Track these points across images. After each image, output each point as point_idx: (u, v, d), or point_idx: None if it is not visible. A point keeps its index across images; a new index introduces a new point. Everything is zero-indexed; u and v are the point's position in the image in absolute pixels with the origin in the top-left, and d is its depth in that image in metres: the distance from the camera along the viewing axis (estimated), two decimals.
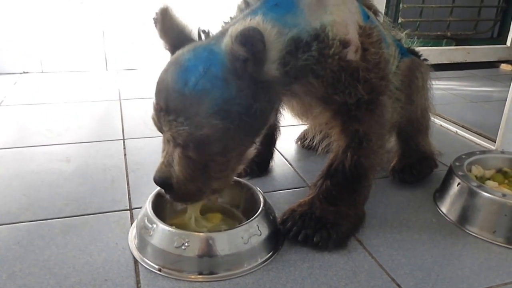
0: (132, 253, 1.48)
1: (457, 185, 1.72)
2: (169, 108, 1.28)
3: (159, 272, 1.39)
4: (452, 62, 4.19)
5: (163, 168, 1.38)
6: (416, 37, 2.07)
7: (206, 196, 1.47)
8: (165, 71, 1.33)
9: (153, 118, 1.37)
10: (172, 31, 1.43)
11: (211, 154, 1.34)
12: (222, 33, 1.37)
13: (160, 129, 1.38)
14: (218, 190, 1.50)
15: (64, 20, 3.62)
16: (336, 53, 1.43)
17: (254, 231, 1.45)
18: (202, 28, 1.45)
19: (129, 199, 1.79)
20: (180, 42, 1.41)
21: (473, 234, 1.64)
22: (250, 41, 1.19)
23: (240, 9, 1.49)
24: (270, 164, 2.09)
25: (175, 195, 1.42)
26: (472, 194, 1.66)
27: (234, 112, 1.29)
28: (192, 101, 1.25)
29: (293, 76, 1.41)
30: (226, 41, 1.23)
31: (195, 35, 1.45)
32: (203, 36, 1.44)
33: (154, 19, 1.44)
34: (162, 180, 1.39)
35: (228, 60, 1.25)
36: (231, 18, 1.51)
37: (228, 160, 1.40)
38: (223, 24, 1.50)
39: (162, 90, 1.30)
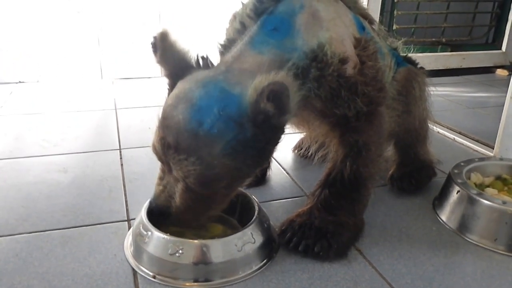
0: (128, 261, 1.48)
1: (457, 193, 1.72)
2: (180, 147, 1.27)
3: (153, 279, 1.40)
4: (448, 68, 4.20)
5: (162, 196, 1.41)
6: (411, 44, 2.07)
7: (200, 221, 1.50)
8: (174, 107, 1.31)
9: (156, 149, 1.37)
10: (172, 59, 1.42)
11: (216, 189, 1.36)
12: (226, 67, 1.38)
13: (161, 160, 1.39)
14: (213, 215, 1.52)
15: (60, 29, 3.62)
16: (335, 70, 1.43)
17: (248, 238, 1.46)
18: (201, 54, 1.45)
19: (127, 209, 1.79)
20: (181, 70, 1.41)
21: (473, 242, 1.64)
22: (278, 97, 1.21)
23: (236, 30, 1.48)
24: (268, 174, 2.08)
25: (171, 221, 1.44)
26: (472, 201, 1.66)
27: (247, 154, 1.30)
28: (206, 142, 1.25)
29: (298, 107, 1.41)
30: (250, 93, 1.22)
31: (194, 60, 1.45)
32: (201, 62, 1.45)
33: (152, 44, 1.43)
34: (160, 208, 1.42)
35: (251, 111, 1.24)
36: (227, 40, 1.50)
37: (231, 191, 1.45)
38: (219, 47, 1.50)
39: (172, 127, 1.29)
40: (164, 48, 1.41)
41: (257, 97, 1.21)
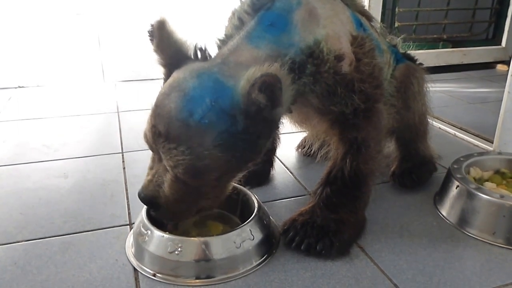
0: (129, 261, 1.49)
1: (456, 188, 1.73)
2: (170, 136, 1.27)
3: (153, 277, 1.41)
4: (449, 64, 4.20)
5: (150, 186, 1.40)
6: (412, 41, 2.07)
7: (193, 213, 1.50)
8: (166, 95, 1.32)
9: (147, 137, 1.38)
10: (169, 48, 1.42)
11: (206, 180, 1.36)
12: (222, 59, 1.38)
13: (152, 149, 1.39)
14: (207, 208, 1.52)
15: (60, 32, 3.62)
16: (331, 67, 1.43)
17: (246, 235, 1.47)
18: (199, 46, 1.45)
19: (129, 213, 1.79)
20: (177, 60, 1.41)
21: (473, 236, 1.64)
22: (270, 88, 1.21)
23: (234, 26, 1.48)
24: (271, 173, 2.09)
25: (162, 213, 1.44)
26: (470, 196, 1.67)
27: (238, 146, 1.30)
28: (196, 132, 1.25)
29: (293, 102, 1.43)
30: (243, 84, 1.23)
31: (192, 51, 1.45)
32: (199, 54, 1.44)
33: (149, 32, 1.43)
34: (148, 198, 1.41)
35: (243, 103, 1.24)
36: (225, 35, 1.50)
37: (222, 184, 1.45)
38: (218, 42, 1.50)
39: (164, 116, 1.29)
40: (161, 37, 1.40)
41: (249, 89, 1.21)
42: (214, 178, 1.35)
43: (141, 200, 1.42)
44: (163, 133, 1.28)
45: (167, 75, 1.42)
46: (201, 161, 1.27)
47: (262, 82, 1.19)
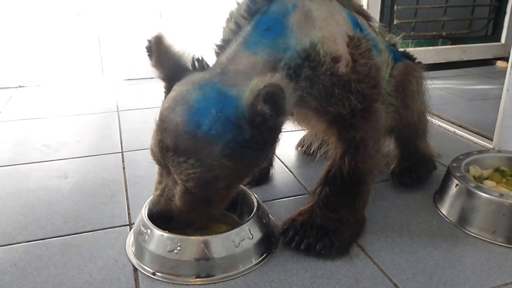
0: (129, 260, 1.50)
1: (455, 187, 1.73)
2: (179, 149, 1.28)
3: (153, 276, 1.42)
4: (448, 61, 4.21)
5: (161, 201, 1.42)
6: (412, 38, 2.07)
7: (203, 221, 1.52)
8: (171, 109, 1.32)
9: (154, 153, 1.38)
10: (168, 62, 1.43)
11: (216, 189, 1.37)
12: (222, 68, 1.39)
13: (160, 163, 1.40)
14: (215, 214, 1.55)
15: (60, 31, 3.62)
16: (327, 69, 1.44)
17: (245, 234, 1.48)
18: (196, 56, 1.46)
19: (129, 214, 1.78)
20: (176, 72, 1.42)
21: (473, 234, 1.64)
22: (274, 99, 1.22)
23: (231, 30, 1.49)
24: (271, 172, 2.08)
25: (175, 224, 1.45)
26: (470, 195, 1.67)
27: (245, 154, 1.31)
28: (205, 144, 1.27)
29: (294, 107, 1.43)
30: (247, 95, 1.24)
31: (190, 62, 1.46)
32: (197, 64, 1.45)
33: (147, 47, 1.44)
34: (161, 213, 1.43)
35: (248, 113, 1.26)
36: (223, 40, 1.50)
37: (231, 191, 1.47)
38: (215, 48, 1.51)
39: (170, 130, 1.30)
40: (159, 52, 1.42)
41: (254, 100, 1.22)
42: (223, 186, 1.37)
43: (155, 215, 1.44)
44: (172, 147, 1.29)
45: (168, 89, 1.43)
46: (211, 171, 1.29)
47: (266, 93, 1.20)
